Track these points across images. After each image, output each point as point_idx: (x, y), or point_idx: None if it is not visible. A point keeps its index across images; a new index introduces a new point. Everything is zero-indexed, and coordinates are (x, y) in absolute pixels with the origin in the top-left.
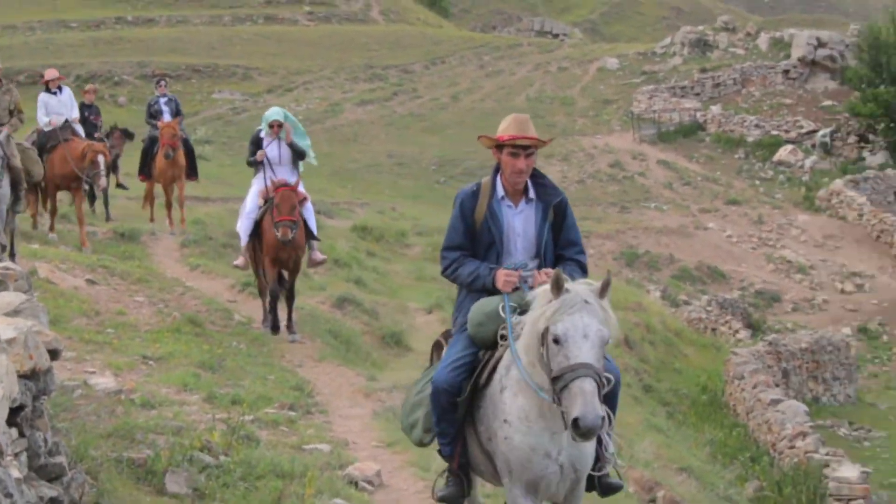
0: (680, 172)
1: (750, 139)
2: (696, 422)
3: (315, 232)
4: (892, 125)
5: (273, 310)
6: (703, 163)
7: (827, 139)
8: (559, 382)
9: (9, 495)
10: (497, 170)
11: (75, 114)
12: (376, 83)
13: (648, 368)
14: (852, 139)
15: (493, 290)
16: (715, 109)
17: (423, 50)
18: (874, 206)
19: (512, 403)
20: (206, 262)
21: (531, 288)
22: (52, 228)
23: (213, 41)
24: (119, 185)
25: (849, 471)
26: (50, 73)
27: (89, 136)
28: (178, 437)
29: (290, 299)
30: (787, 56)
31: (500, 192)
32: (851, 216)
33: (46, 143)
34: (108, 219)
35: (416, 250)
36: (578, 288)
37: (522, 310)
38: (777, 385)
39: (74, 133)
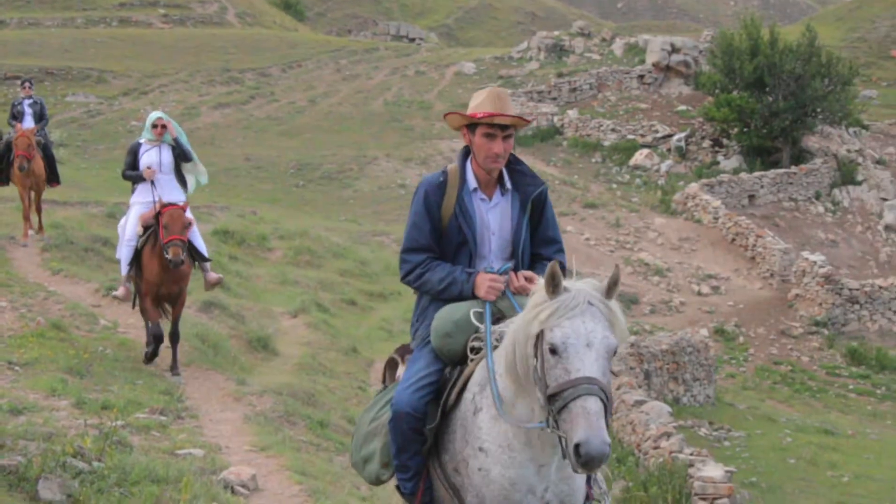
0: None
1: (606, 143)
2: None
3: (205, 253)
4: (745, 130)
5: (154, 348)
6: (561, 167)
7: (682, 143)
8: (557, 401)
9: None
10: (466, 155)
11: None
12: (233, 86)
13: None
14: (707, 143)
15: (471, 299)
16: (572, 114)
17: (279, 53)
18: (729, 209)
19: (490, 428)
20: (69, 266)
21: (514, 293)
22: None
23: (66, 43)
24: None
25: (713, 470)
26: None
27: None
28: (49, 443)
29: (174, 339)
30: (642, 61)
31: (472, 182)
32: (707, 219)
33: None
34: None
35: (278, 254)
36: (580, 286)
37: (497, 318)
38: (639, 386)
39: None
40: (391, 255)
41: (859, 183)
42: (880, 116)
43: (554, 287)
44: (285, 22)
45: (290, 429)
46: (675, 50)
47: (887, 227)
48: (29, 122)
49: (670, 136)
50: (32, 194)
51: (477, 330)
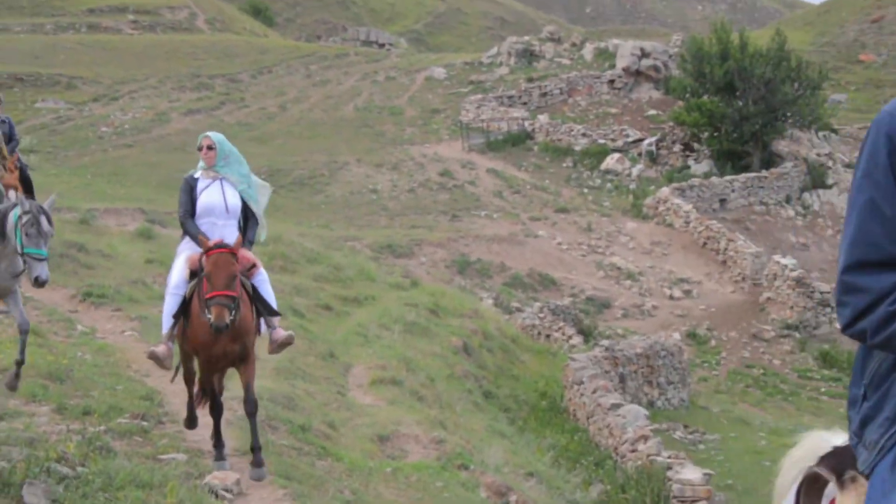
0: (509, 181)
1: (577, 148)
2: (537, 427)
3: (275, 305)
4: (716, 134)
5: (217, 427)
6: (532, 171)
7: (653, 148)
8: None
9: None
10: None
11: None
12: (203, 92)
13: (487, 375)
14: (677, 148)
15: None
16: (542, 118)
17: (249, 59)
18: (700, 213)
19: None
20: None
21: None
22: None
23: (36, 49)
24: None
25: (691, 473)
26: None
27: None
28: (32, 448)
29: (250, 410)
30: (612, 66)
31: None
32: (678, 223)
33: None
34: None
35: None
36: None
37: None
38: (615, 390)
39: None
40: (364, 260)
41: (830, 186)
42: (849, 120)
43: None
44: (255, 28)
45: (272, 433)
46: (645, 55)
47: None
48: None
49: (641, 140)
50: None
51: None
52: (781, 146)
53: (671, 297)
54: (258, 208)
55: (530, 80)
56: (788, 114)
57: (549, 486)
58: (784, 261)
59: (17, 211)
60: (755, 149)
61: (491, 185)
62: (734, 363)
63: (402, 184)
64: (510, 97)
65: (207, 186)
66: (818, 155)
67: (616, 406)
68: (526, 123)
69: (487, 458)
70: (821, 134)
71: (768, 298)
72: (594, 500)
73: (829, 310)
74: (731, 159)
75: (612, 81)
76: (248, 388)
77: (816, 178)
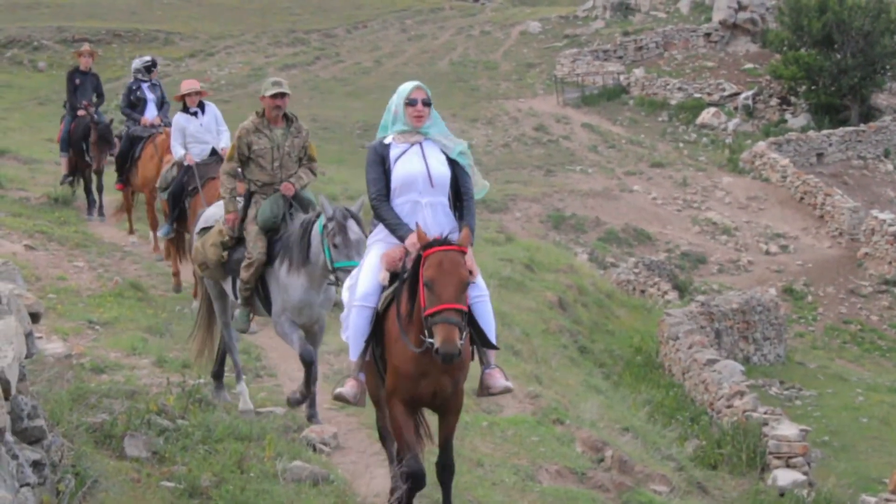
0: (604, 135)
1: (673, 102)
2: (632, 382)
3: (493, 336)
4: (813, 88)
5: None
6: (627, 126)
7: (749, 102)
8: None
9: (15, 457)
10: None
11: (224, 142)
12: (299, 47)
13: (582, 330)
14: (774, 101)
15: None
16: (638, 73)
17: (344, 14)
18: (797, 167)
19: None
20: (144, 227)
21: None
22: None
23: (134, 6)
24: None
25: (787, 429)
26: (187, 85)
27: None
28: (132, 400)
29: (445, 474)
30: (709, 19)
31: None
32: (775, 178)
33: (187, 185)
34: (101, 213)
35: None
36: None
37: None
38: (710, 345)
39: None
40: None
41: None
42: None
43: None
44: None
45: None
46: (741, 7)
47: None
48: (152, 112)
49: (737, 94)
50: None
51: None
52: (880, 100)
53: (767, 253)
54: (475, 176)
55: (626, 33)
56: (887, 67)
57: (644, 441)
58: (882, 216)
59: (322, 221)
60: (853, 102)
61: (586, 139)
62: (831, 319)
63: (497, 138)
64: (605, 51)
65: (404, 153)
66: None
67: (712, 361)
68: (621, 77)
69: (583, 413)
70: None
71: (866, 254)
72: (690, 456)
73: None
74: (829, 113)
75: (708, 35)
76: (446, 444)
77: None
